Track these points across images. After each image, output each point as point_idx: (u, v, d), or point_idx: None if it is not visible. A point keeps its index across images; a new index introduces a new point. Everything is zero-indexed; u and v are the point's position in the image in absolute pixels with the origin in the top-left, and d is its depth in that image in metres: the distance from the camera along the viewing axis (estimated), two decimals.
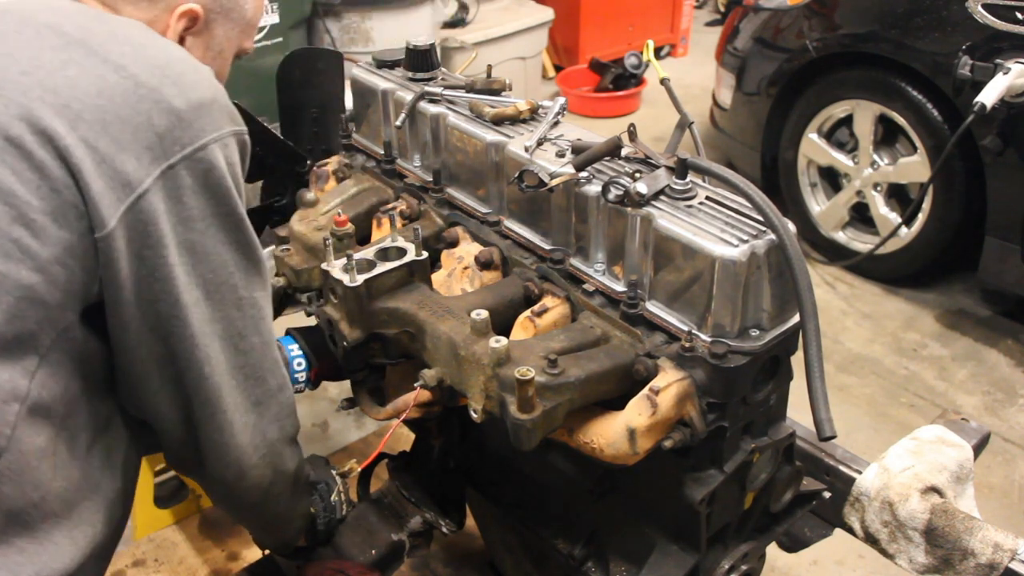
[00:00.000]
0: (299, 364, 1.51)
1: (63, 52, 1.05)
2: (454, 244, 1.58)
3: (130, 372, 1.12)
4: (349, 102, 1.91)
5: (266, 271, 1.21)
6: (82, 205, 1.00)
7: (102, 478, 1.14)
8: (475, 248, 1.54)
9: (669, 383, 1.20)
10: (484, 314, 1.27)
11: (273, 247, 1.73)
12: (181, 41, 1.25)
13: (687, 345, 1.22)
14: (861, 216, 3.78)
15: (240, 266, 1.14)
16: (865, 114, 3.53)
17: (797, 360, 1.26)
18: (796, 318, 1.26)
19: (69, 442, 1.07)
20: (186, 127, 1.06)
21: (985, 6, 3.11)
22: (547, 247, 1.47)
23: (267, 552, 1.69)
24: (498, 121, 1.56)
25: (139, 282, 1.05)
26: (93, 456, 1.12)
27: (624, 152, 1.43)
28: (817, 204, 3.90)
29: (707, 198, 1.33)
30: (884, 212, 3.61)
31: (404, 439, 2.29)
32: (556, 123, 1.54)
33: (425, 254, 1.42)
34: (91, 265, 1.02)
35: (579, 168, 1.37)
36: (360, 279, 1.36)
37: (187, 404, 1.15)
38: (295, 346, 1.52)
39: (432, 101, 1.66)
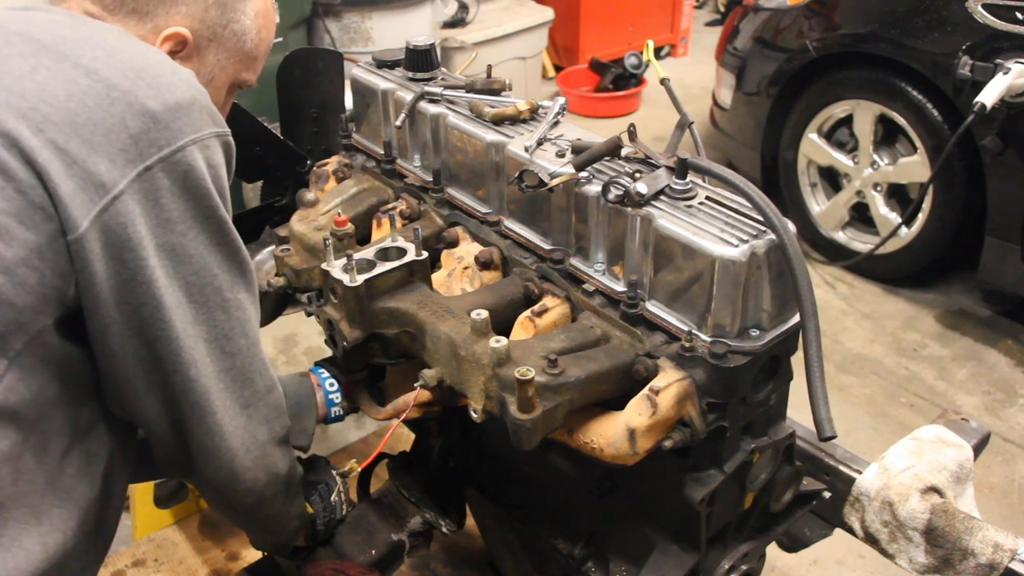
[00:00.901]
0: (331, 385, 1.52)
1: (32, 58, 1.04)
2: (454, 244, 1.58)
3: (115, 377, 1.11)
4: (349, 102, 1.91)
5: (252, 272, 1.20)
6: (50, 207, 0.99)
7: (76, 485, 1.12)
8: (475, 248, 1.54)
9: (669, 383, 1.20)
10: (484, 314, 1.27)
11: (273, 247, 1.73)
12: None
13: (687, 345, 1.22)
14: (861, 216, 3.79)
15: (224, 268, 1.13)
16: (865, 114, 3.53)
17: (797, 360, 1.26)
18: (796, 318, 1.26)
19: (38, 448, 1.06)
20: (162, 129, 1.05)
21: (985, 6, 3.11)
22: (547, 247, 1.47)
23: (266, 552, 1.69)
24: (498, 121, 1.56)
25: (120, 286, 1.04)
26: (69, 463, 1.11)
27: (624, 152, 1.43)
28: (817, 204, 3.90)
29: (707, 198, 1.33)
30: (884, 212, 3.61)
31: (404, 439, 2.29)
32: (556, 123, 1.54)
33: (425, 254, 1.42)
34: (64, 268, 1.02)
35: (579, 168, 1.37)
36: (360, 279, 1.36)
37: (175, 407, 1.14)
38: (323, 370, 1.54)
39: (432, 101, 1.66)
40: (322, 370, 1.54)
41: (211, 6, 1.25)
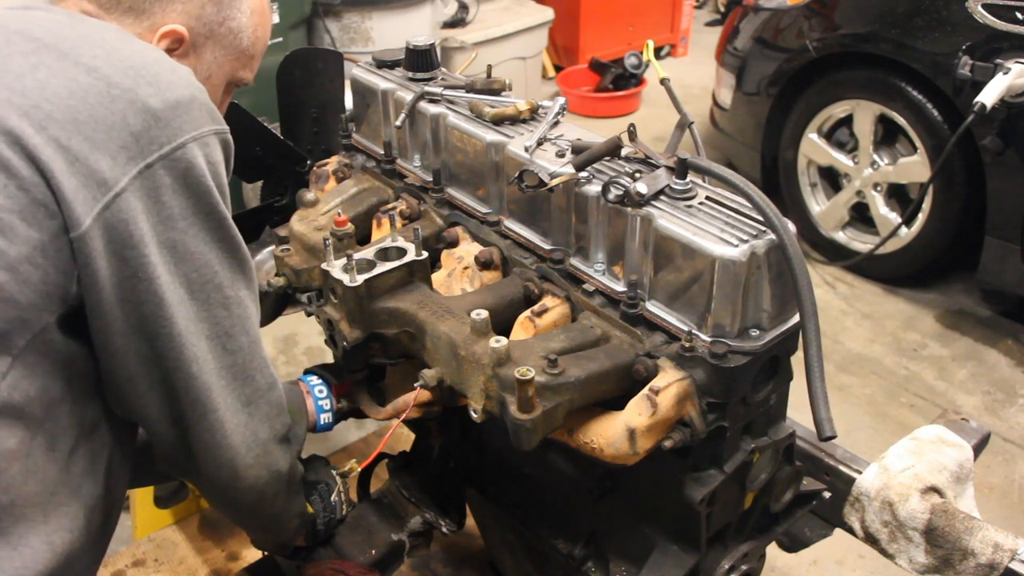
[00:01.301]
0: (320, 392, 1.51)
1: (33, 56, 1.05)
2: (454, 244, 1.58)
3: (117, 374, 1.11)
4: (349, 102, 1.91)
5: (252, 270, 1.20)
6: (53, 204, 1.00)
7: (83, 483, 1.12)
8: (475, 248, 1.54)
9: (669, 383, 1.20)
10: (484, 314, 1.27)
11: (273, 247, 1.73)
12: None
13: (687, 345, 1.22)
14: (861, 216, 3.79)
15: (224, 265, 1.14)
16: (865, 114, 3.53)
17: (797, 360, 1.26)
18: (796, 318, 1.26)
19: (47, 445, 1.06)
20: (163, 126, 1.05)
21: (985, 6, 3.11)
22: (547, 247, 1.47)
23: (267, 552, 1.69)
24: (498, 121, 1.56)
25: (121, 283, 1.05)
26: (76, 461, 1.11)
27: (624, 152, 1.43)
28: (817, 204, 3.90)
29: (707, 198, 1.33)
30: (884, 212, 3.61)
31: (404, 439, 2.29)
32: (556, 123, 1.54)
33: (425, 254, 1.42)
34: (66, 266, 1.02)
35: (579, 168, 1.37)
36: (360, 279, 1.36)
37: (177, 405, 1.14)
38: (313, 378, 1.53)
39: (432, 101, 1.66)
40: (311, 378, 1.53)
41: (207, 3, 1.26)
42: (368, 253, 1.42)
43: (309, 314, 1.64)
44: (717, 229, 1.24)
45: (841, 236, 3.83)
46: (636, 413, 1.20)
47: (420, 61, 1.75)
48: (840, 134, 3.74)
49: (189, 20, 1.24)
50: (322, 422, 1.50)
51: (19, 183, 0.99)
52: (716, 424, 1.24)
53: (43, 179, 0.99)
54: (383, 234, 1.62)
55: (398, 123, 1.70)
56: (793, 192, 3.94)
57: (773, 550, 1.61)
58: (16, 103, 1.00)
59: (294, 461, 1.35)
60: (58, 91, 1.02)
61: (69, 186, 0.99)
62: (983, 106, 2.90)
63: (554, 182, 1.35)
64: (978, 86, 2.98)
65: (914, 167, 3.43)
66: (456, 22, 4.98)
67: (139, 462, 1.31)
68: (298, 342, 3.36)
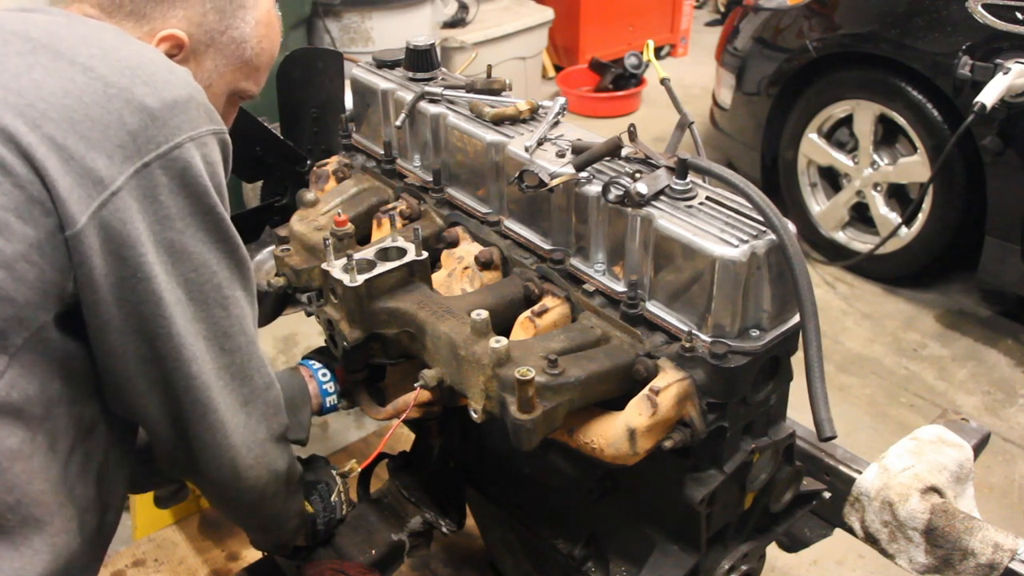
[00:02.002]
0: (324, 375, 1.51)
1: (30, 56, 1.05)
2: (454, 244, 1.58)
3: (115, 374, 1.11)
4: (349, 102, 1.91)
5: (250, 270, 1.20)
6: (49, 202, 0.99)
7: (77, 485, 1.12)
8: (475, 248, 1.54)
9: (669, 383, 1.20)
10: (484, 314, 1.27)
11: (273, 247, 1.73)
12: None
13: (687, 345, 1.22)
14: (861, 216, 3.79)
15: (222, 265, 1.14)
16: (865, 114, 3.53)
17: (797, 360, 1.26)
18: (796, 318, 1.26)
19: (48, 445, 1.06)
20: (160, 126, 1.05)
21: (985, 6, 3.11)
22: (547, 247, 1.47)
23: (266, 552, 1.69)
24: (498, 121, 1.56)
25: (119, 283, 1.04)
26: (72, 461, 1.11)
27: (624, 152, 1.43)
28: (817, 204, 3.90)
29: (707, 198, 1.33)
30: (884, 212, 3.61)
31: (404, 439, 2.29)
32: (556, 123, 1.54)
33: (425, 254, 1.42)
34: (63, 264, 1.02)
35: (579, 168, 1.37)
36: (360, 279, 1.36)
37: (176, 405, 1.14)
38: (314, 362, 1.53)
39: (432, 101, 1.66)
40: (312, 362, 1.53)
41: (209, 11, 1.25)
42: (368, 253, 1.42)
43: (309, 314, 1.64)
44: (717, 229, 1.24)
45: (841, 236, 3.83)
46: (636, 413, 1.20)
47: (420, 61, 1.75)
48: (840, 134, 3.74)
49: (190, 27, 1.24)
50: (328, 404, 1.50)
51: (14, 180, 0.98)
52: (716, 424, 1.24)
53: (38, 177, 0.99)
54: (383, 234, 1.62)
55: (398, 123, 1.70)
56: (793, 192, 3.94)
57: (773, 550, 1.61)
58: (11, 102, 1.00)
59: (292, 460, 1.35)
60: (54, 90, 1.02)
61: (64, 184, 0.99)
62: (983, 106, 2.90)
63: (554, 182, 1.35)
64: (978, 86, 2.98)
65: (914, 167, 3.43)
66: (456, 22, 4.98)
67: (144, 465, 1.31)
68: (298, 342, 3.36)
